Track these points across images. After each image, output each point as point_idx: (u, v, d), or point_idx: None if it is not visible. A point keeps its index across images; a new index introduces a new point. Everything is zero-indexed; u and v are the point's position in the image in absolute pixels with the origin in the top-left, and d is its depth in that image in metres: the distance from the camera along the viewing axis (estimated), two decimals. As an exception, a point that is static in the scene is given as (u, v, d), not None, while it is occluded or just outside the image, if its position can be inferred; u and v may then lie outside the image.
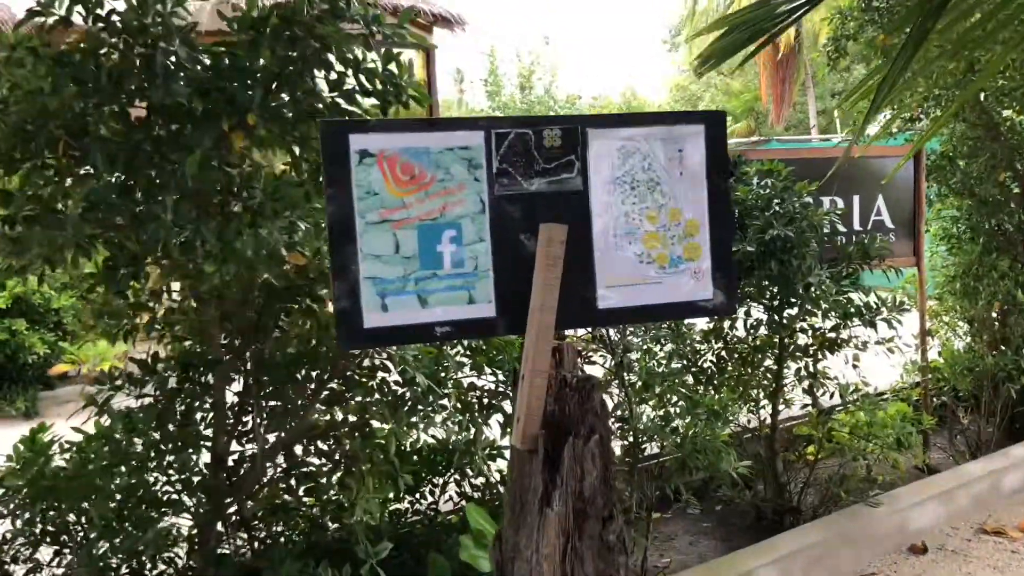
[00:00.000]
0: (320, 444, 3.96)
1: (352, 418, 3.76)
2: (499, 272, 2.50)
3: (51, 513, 3.55)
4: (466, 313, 2.48)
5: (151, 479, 3.65)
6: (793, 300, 5.33)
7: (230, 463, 3.91)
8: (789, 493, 5.78)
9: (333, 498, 3.81)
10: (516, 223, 2.51)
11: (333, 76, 3.42)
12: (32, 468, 3.51)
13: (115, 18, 3.22)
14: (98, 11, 3.23)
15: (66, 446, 3.60)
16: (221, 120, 3.29)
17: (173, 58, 3.21)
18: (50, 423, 3.75)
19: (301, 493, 3.92)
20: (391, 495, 4.05)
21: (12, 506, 3.48)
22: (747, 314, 5.50)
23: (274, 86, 3.37)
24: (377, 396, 3.81)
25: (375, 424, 3.76)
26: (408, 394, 3.78)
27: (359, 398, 3.76)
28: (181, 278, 3.65)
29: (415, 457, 4.29)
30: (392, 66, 3.38)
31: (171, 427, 3.73)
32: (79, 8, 3.21)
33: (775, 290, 5.40)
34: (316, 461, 3.97)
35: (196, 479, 3.78)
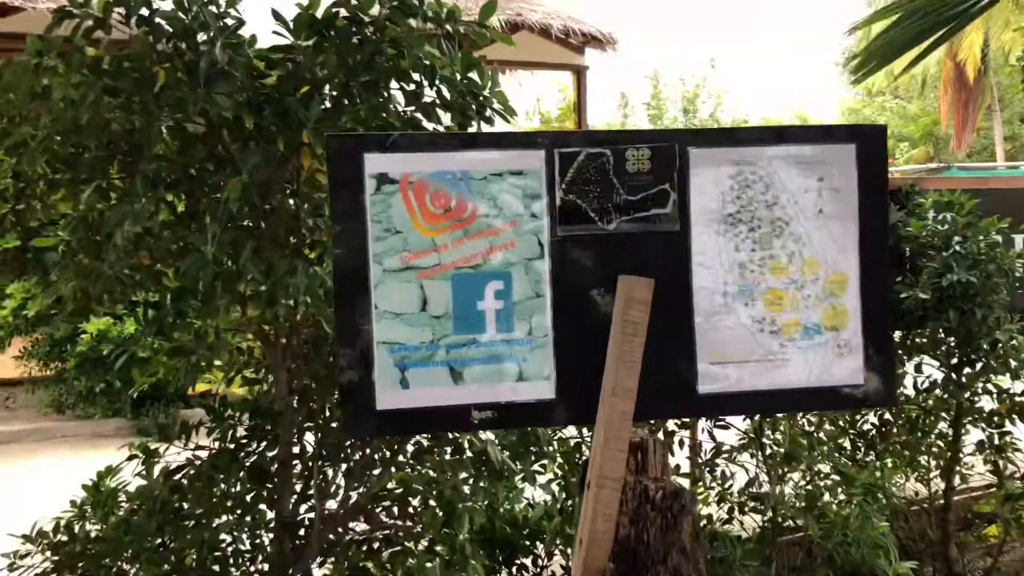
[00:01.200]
0: (394, 508, 3.41)
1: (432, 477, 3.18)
2: (560, 340, 1.86)
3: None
4: (514, 394, 1.85)
5: (212, 539, 3.20)
6: (975, 357, 4.43)
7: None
8: (965, 587, 4.82)
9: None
10: (586, 274, 1.86)
11: (411, 87, 2.88)
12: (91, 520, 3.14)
13: (159, 20, 2.78)
14: (142, 10, 2.79)
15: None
16: (276, 138, 2.79)
17: (216, 63, 2.73)
18: (157, 446, 3.30)
19: (385, 558, 3.38)
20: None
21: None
22: (918, 370, 4.63)
23: (340, 98, 2.85)
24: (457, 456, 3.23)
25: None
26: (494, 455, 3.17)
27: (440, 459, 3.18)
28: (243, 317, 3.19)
29: (507, 527, 3.67)
30: (473, 74, 2.79)
31: (235, 483, 3.27)
32: (119, 9, 2.78)
33: (952, 344, 4.51)
34: (398, 523, 3.43)
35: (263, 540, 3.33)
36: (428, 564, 3.10)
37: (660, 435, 2.72)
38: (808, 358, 1.90)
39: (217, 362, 3.23)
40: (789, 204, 1.90)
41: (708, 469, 3.87)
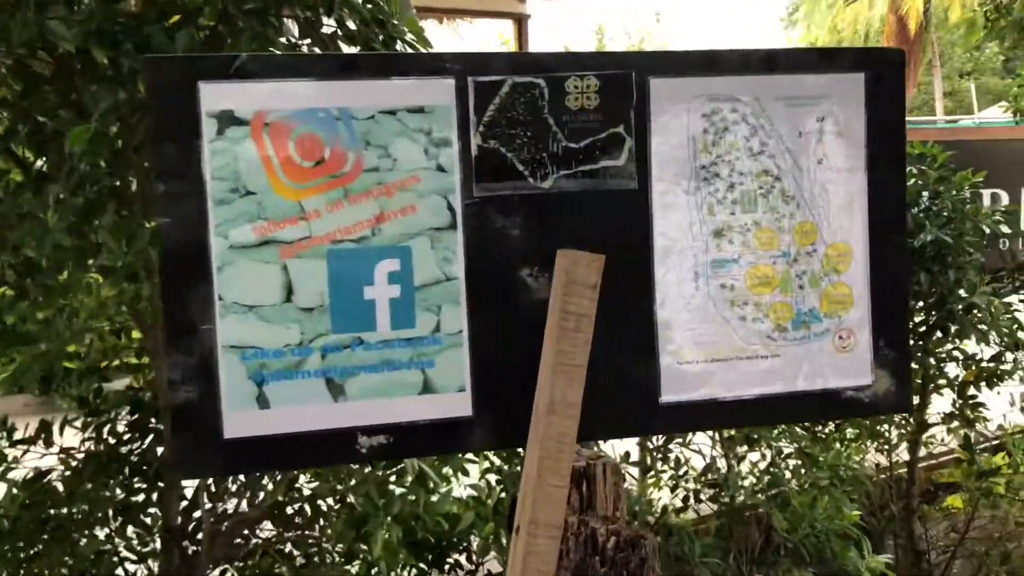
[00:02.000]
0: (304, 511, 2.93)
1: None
2: (479, 338, 1.38)
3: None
4: (417, 411, 1.37)
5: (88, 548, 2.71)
6: (946, 322, 4.07)
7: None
8: (929, 564, 4.53)
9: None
10: (513, 249, 1.38)
11: (306, 15, 2.33)
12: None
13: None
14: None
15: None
16: (137, 78, 2.24)
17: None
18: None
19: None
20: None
21: None
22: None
23: (218, 29, 2.30)
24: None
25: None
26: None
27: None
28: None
29: (432, 533, 3.21)
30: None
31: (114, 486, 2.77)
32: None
33: (922, 308, 4.15)
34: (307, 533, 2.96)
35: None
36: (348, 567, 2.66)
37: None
38: (802, 353, 1.45)
39: (73, 348, 2.70)
40: (780, 153, 1.43)
41: (660, 455, 3.45)
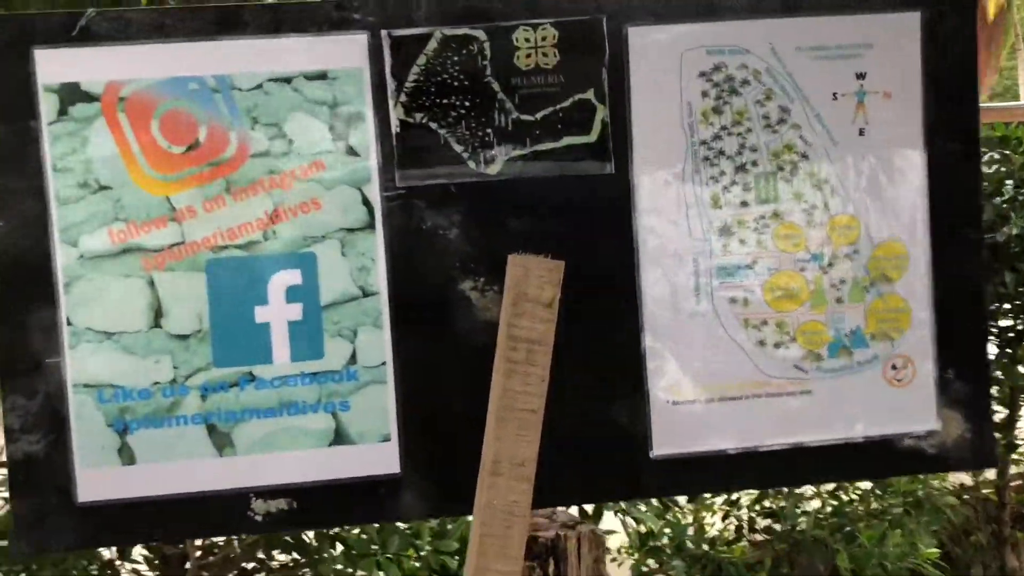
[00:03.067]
0: None
1: None
2: (408, 372, 1.05)
3: None
4: (329, 467, 1.05)
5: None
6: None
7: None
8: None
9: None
10: (450, 255, 1.05)
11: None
12: None
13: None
14: None
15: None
16: None
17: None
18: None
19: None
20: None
21: None
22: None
23: None
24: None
25: None
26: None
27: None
28: None
29: None
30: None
31: None
32: None
33: (1009, 311, 3.69)
34: None
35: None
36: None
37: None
38: (842, 389, 1.10)
39: None
40: (806, 122, 1.07)
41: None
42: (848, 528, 2.99)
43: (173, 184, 1.02)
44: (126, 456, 1.03)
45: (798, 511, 3.09)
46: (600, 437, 1.07)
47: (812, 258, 1.09)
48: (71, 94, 1.01)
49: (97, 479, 1.03)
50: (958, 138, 1.09)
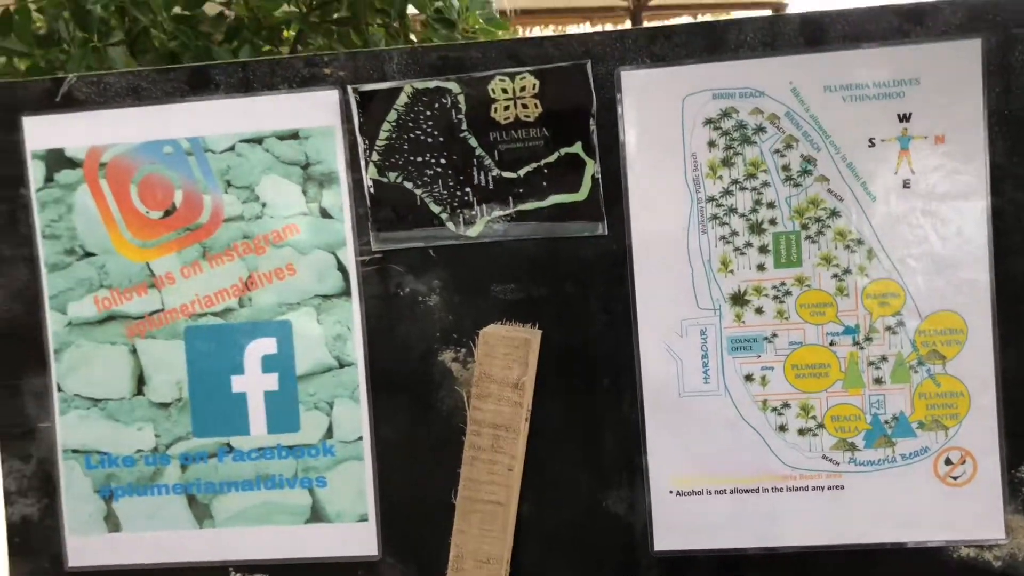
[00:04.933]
0: None
1: None
2: (386, 448, 0.99)
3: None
4: (306, 544, 1.01)
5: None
6: None
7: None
8: None
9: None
10: (430, 324, 0.97)
11: None
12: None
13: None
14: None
15: None
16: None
17: None
18: None
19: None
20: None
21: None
22: None
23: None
24: None
25: None
26: None
27: None
28: None
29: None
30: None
31: None
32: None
33: None
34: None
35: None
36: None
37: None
38: (882, 485, 0.93)
39: None
40: (836, 174, 0.91)
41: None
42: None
43: (152, 250, 1.01)
44: (112, 523, 1.03)
45: None
46: (596, 529, 0.96)
47: (845, 331, 0.93)
48: (56, 160, 1.01)
49: (84, 545, 1.03)
50: (1040, 187, 0.90)
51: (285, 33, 2.06)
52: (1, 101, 1.01)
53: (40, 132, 1.01)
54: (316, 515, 1.00)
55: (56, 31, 1.82)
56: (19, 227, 1.02)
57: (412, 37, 2.00)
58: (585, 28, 8.76)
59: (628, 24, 8.52)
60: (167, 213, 1.00)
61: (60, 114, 1.00)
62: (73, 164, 1.01)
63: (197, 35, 1.81)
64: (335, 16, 1.95)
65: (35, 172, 1.01)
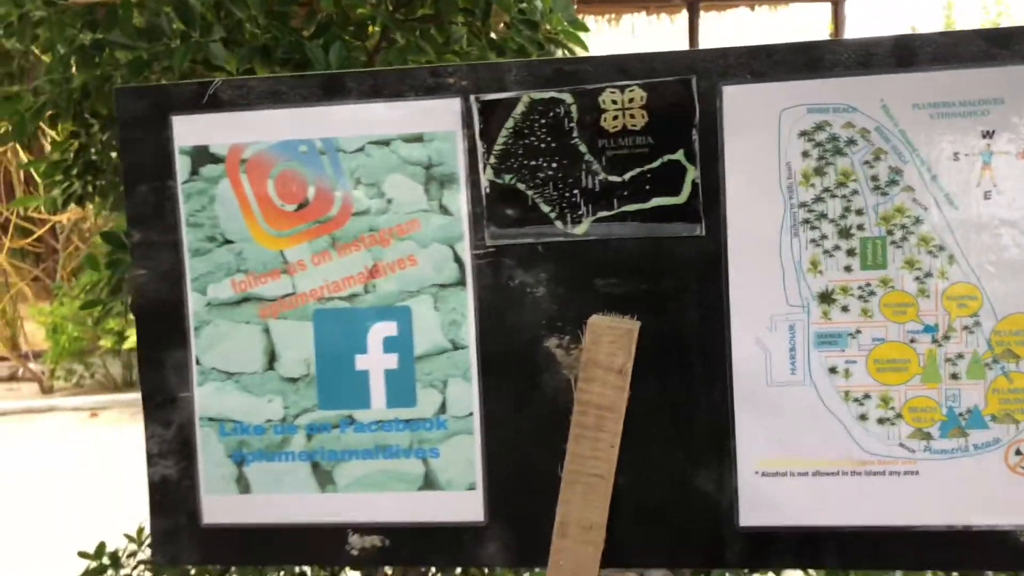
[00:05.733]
0: None
1: None
2: (494, 423, 1.09)
3: None
4: (418, 510, 1.11)
5: None
6: None
7: None
8: None
9: None
10: (537, 313, 1.07)
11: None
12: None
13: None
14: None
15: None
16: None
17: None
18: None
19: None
20: None
21: None
22: None
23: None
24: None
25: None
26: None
27: None
28: None
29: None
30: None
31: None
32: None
33: None
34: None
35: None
36: None
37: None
38: (955, 473, 1.01)
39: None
40: (922, 184, 0.99)
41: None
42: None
43: (285, 239, 1.11)
44: (242, 485, 1.14)
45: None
46: (684, 504, 1.05)
47: (924, 330, 1.00)
48: (201, 156, 1.12)
49: (218, 505, 1.14)
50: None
51: (370, 28, 2.15)
52: (154, 102, 1.12)
53: (187, 130, 1.11)
54: (429, 483, 1.11)
55: (158, 25, 1.92)
56: (166, 216, 1.13)
57: (492, 35, 2.08)
58: (641, 16, 8.78)
59: (684, 13, 8.54)
60: (300, 206, 1.11)
61: (206, 114, 1.11)
62: (216, 159, 1.11)
63: (289, 31, 1.91)
64: (419, 14, 2.04)
65: (182, 166, 1.12)
